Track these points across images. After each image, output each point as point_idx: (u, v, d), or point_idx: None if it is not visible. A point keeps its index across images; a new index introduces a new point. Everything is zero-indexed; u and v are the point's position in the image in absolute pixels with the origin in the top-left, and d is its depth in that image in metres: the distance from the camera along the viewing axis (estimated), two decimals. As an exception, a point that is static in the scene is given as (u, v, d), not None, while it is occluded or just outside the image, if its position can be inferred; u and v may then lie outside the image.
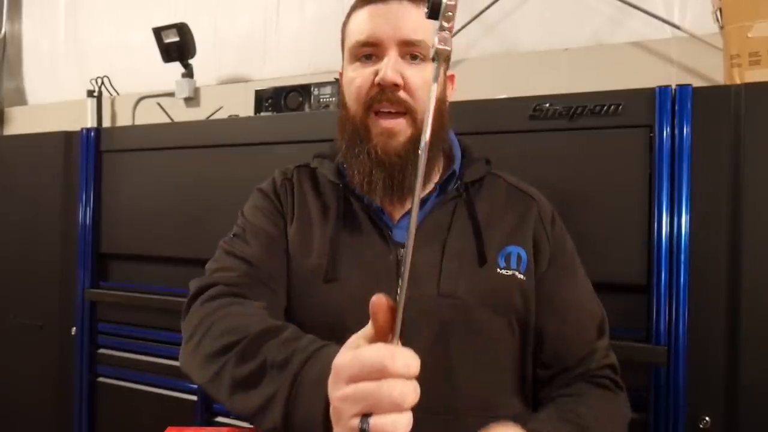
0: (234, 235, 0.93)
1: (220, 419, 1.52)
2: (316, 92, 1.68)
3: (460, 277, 0.84)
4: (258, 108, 1.77)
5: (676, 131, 1.09)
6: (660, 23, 1.61)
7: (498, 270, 0.86)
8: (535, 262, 0.89)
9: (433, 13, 0.57)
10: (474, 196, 0.91)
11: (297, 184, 0.95)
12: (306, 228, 0.90)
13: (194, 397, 1.54)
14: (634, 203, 1.12)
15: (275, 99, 1.73)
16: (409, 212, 0.89)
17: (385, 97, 0.84)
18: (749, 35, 1.21)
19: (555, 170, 1.17)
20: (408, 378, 0.51)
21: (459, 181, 0.91)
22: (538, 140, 1.20)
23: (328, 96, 1.66)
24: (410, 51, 0.85)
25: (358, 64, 0.87)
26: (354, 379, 0.52)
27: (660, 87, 1.11)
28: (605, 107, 1.14)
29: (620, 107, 1.13)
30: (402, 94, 0.84)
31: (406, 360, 0.51)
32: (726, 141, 1.08)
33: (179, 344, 1.69)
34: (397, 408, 0.50)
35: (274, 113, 1.72)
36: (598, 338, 0.91)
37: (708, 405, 1.07)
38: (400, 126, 0.85)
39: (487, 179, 0.95)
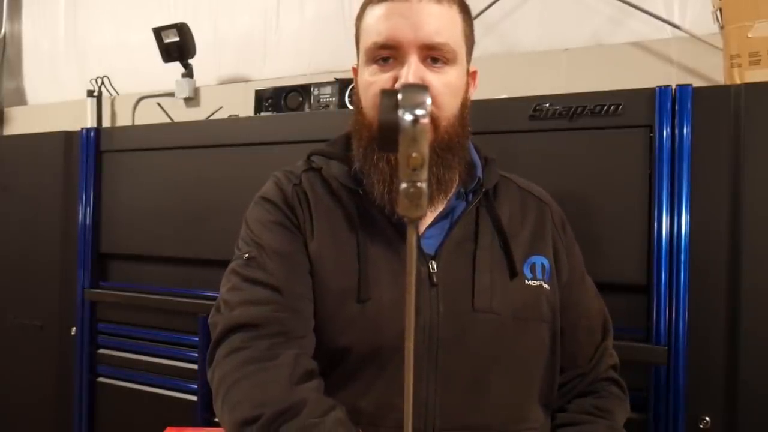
0: (248, 257, 0.84)
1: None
2: (316, 92, 1.68)
3: (494, 292, 0.82)
4: (258, 108, 1.77)
5: (676, 131, 1.09)
6: (660, 23, 1.61)
7: (526, 281, 0.84)
8: (558, 271, 0.88)
9: (386, 141, 0.40)
10: (492, 201, 0.88)
11: (310, 192, 0.87)
12: (329, 243, 0.83)
13: (194, 397, 1.54)
14: (634, 203, 1.12)
15: (275, 99, 1.73)
16: (434, 224, 0.85)
17: None
18: (749, 35, 1.21)
19: (555, 170, 1.17)
20: None
21: (482, 188, 0.87)
22: (538, 140, 1.19)
23: (328, 96, 1.66)
24: (432, 54, 0.79)
25: (375, 67, 0.81)
26: None
27: (660, 87, 1.11)
28: (605, 107, 1.14)
29: (620, 107, 1.13)
30: None
31: None
32: (726, 141, 1.08)
33: (179, 344, 1.70)
34: None
35: (274, 113, 1.72)
36: (604, 339, 0.92)
37: (708, 405, 1.07)
38: None
39: (500, 183, 0.92)
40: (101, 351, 1.72)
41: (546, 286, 0.85)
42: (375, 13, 0.82)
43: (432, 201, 0.83)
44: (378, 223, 0.84)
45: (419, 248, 0.82)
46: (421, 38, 0.78)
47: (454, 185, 0.86)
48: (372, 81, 0.81)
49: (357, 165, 0.86)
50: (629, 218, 1.12)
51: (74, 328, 1.74)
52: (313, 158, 0.92)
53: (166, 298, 1.58)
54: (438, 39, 0.79)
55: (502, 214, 0.88)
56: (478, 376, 0.80)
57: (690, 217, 1.08)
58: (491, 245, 0.85)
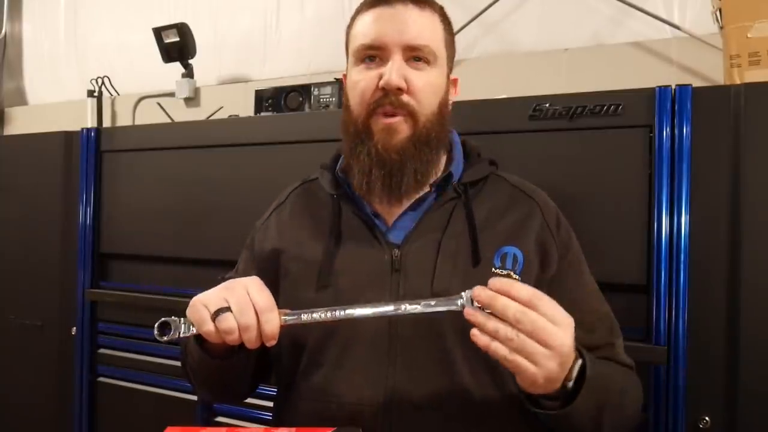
0: (223, 278, 0.96)
1: (220, 419, 1.52)
2: (316, 92, 1.68)
3: (454, 277, 0.84)
4: (258, 108, 1.77)
5: (676, 131, 1.09)
6: (660, 23, 1.61)
7: (493, 270, 0.86)
8: (543, 266, 0.88)
9: None
10: (473, 197, 0.91)
11: (290, 206, 0.98)
12: (302, 244, 0.91)
13: (194, 397, 1.54)
14: (634, 203, 1.12)
15: (275, 99, 1.73)
16: (404, 214, 0.89)
17: (388, 101, 0.84)
18: (749, 35, 1.21)
19: (555, 170, 1.17)
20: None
21: (457, 182, 0.91)
22: (538, 140, 1.19)
23: (328, 96, 1.66)
24: (414, 54, 0.86)
25: (362, 66, 0.88)
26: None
27: (660, 87, 1.11)
28: (605, 107, 1.14)
29: (620, 107, 1.13)
30: (405, 97, 0.85)
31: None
32: (726, 141, 1.08)
33: (179, 344, 1.70)
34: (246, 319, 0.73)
35: (274, 113, 1.72)
36: (613, 340, 0.91)
37: (708, 405, 1.07)
38: (401, 125, 0.85)
39: (490, 180, 0.95)
40: (101, 351, 1.72)
41: (515, 276, 0.86)
42: (363, 20, 0.90)
43: (409, 193, 0.88)
44: (350, 222, 0.91)
45: (384, 237, 0.88)
46: (405, 40, 0.85)
47: (431, 179, 0.90)
48: (358, 79, 0.88)
49: (340, 164, 0.95)
50: (629, 218, 1.12)
51: (74, 328, 1.74)
52: (318, 171, 1.00)
53: (166, 298, 1.57)
54: (419, 41, 0.86)
55: (481, 208, 0.90)
56: (439, 358, 0.83)
57: (690, 217, 1.08)
58: (459, 235, 0.88)
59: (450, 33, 0.93)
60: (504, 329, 0.67)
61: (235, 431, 1.32)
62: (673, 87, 1.11)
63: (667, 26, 1.61)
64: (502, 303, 0.68)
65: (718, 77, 1.39)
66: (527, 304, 0.68)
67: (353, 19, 0.92)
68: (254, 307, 0.74)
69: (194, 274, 1.57)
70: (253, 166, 1.48)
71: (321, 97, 1.67)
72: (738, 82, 1.20)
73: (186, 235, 1.57)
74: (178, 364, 1.60)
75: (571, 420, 0.74)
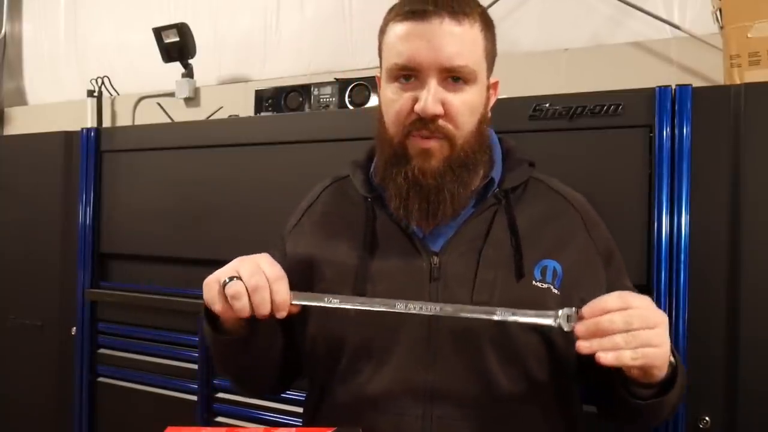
0: None
1: (220, 419, 1.52)
2: (316, 92, 1.68)
3: (495, 288, 0.83)
4: (258, 108, 1.77)
5: (676, 131, 1.09)
6: (660, 23, 1.61)
7: (534, 282, 0.84)
8: (585, 279, 0.87)
9: None
10: (514, 203, 0.89)
11: (322, 206, 0.96)
12: (334, 247, 0.90)
13: (194, 397, 1.54)
14: (634, 203, 1.12)
15: (275, 99, 1.73)
16: (443, 222, 0.87)
17: (424, 126, 0.81)
18: (749, 35, 1.21)
19: (555, 170, 1.16)
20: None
21: (498, 188, 0.89)
22: (538, 140, 1.19)
23: (328, 96, 1.66)
24: (451, 75, 0.82)
25: (397, 85, 0.84)
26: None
27: (660, 87, 1.11)
28: (605, 107, 1.14)
29: (620, 107, 1.13)
30: (441, 122, 0.81)
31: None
32: (726, 141, 1.08)
33: (179, 344, 1.71)
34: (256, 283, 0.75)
35: (274, 113, 1.72)
36: None
37: (708, 405, 1.07)
38: (437, 147, 0.83)
39: (530, 184, 0.92)
40: (101, 351, 1.72)
41: (555, 290, 0.85)
42: (396, 32, 0.84)
43: (446, 216, 0.85)
44: (386, 227, 0.89)
45: (422, 244, 0.86)
46: (441, 61, 0.80)
47: (468, 195, 0.87)
48: (394, 99, 0.84)
49: (373, 166, 0.92)
50: (629, 218, 1.12)
51: (74, 328, 1.73)
52: (350, 167, 0.96)
53: (166, 298, 1.58)
54: (457, 62, 0.81)
55: (522, 215, 0.88)
56: (477, 368, 0.82)
57: (690, 217, 1.08)
58: (501, 244, 0.86)
59: (491, 39, 0.87)
60: (623, 337, 0.70)
61: (235, 431, 1.32)
62: (673, 87, 1.11)
63: (667, 26, 1.61)
64: (607, 319, 0.71)
65: (718, 77, 1.39)
66: (623, 308, 0.71)
67: (386, 22, 0.87)
68: (265, 276, 0.76)
69: (194, 274, 1.56)
70: (253, 166, 1.48)
71: (321, 97, 1.67)
72: (738, 82, 1.20)
73: (186, 235, 1.57)
74: (178, 364, 1.62)
75: (667, 402, 0.79)
